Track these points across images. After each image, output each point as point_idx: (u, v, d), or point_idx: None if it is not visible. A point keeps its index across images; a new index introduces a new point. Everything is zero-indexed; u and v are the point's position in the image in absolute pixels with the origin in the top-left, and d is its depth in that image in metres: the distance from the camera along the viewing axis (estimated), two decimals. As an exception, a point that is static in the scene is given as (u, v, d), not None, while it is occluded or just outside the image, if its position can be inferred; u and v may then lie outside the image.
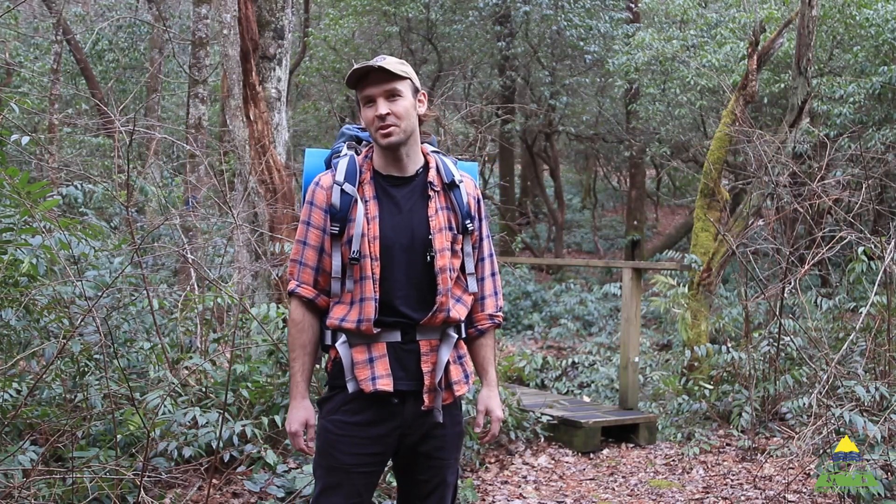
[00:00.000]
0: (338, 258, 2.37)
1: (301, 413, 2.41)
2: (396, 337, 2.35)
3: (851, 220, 5.58)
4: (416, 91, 2.41)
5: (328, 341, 2.41)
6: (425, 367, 2.36)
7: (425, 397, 2.36)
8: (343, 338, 2.36)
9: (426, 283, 2.37)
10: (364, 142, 2.58)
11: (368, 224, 2.34)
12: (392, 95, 2.34)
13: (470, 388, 2.55)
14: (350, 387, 2.33)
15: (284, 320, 4.87)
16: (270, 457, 4.23)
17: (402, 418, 2.37)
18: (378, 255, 2.34)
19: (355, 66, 2.35)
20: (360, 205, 2.35)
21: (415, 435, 2.39)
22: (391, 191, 2.40)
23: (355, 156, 2.45)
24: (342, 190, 2.37)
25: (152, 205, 9.34)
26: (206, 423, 4.15)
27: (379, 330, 2.34)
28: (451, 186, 2.44)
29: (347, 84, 2.38)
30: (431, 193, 2.42)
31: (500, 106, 13.18)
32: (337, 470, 2.35)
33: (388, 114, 2.32)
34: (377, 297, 2.32)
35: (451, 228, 2.42)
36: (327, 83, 15.95)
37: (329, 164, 2.57)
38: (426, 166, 2.46)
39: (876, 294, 5.01)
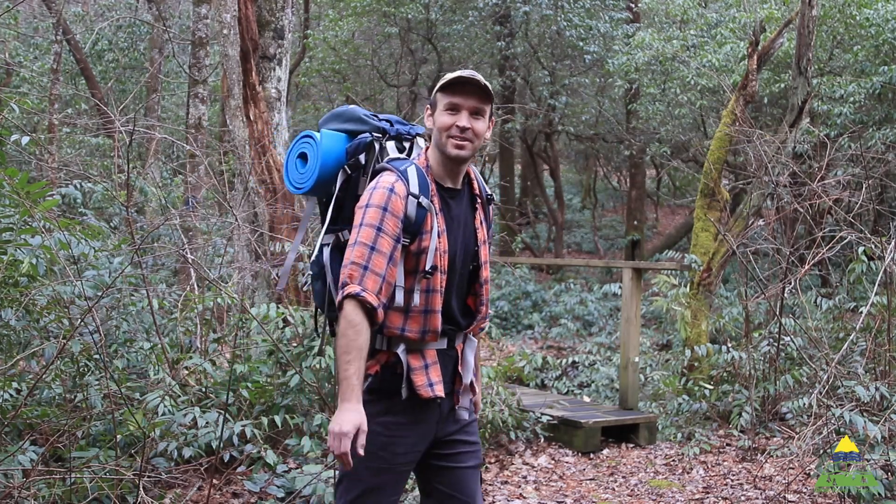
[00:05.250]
0: (401, 268, 2.39)
1: (356, 416, 2.25)
2: (443, 344, 2.46)
3: (851, 220, 5.59)
4: (491, 116, 2.48)
5: (381, 346, 2.41)
6: (462, 370, 2.50)
7: (460, 398, 2.50)
8: (403, 345, 2.40)
9: (465, 292, 2.51)
10: (403, 137, 2.56)
11: (439, 238, 2.40)
12: (477, 113, 2.41)
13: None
14: (404, 392, 2.39)
15: (285, 320, 4.87)
16: (270, 457, 4.24)
17: (439, 414, 2.47)
18: (446, 269, 2.42)
19: (458, 73, 2.41)
20: (434, 218, 2.40)
21: (444, 429, 2.50)
22: (449, 203, 2.47)
23: (418, 165, 2.45)
24: (418, 203, 2.38)
25: (152, 205, 9.34)
26: (206, 423, 4.15)
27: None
28: (488, 201, 2.57)
29: (440, 87, 2.42)
30: (478, 206, 2.53)
31: (500, 106, 13.18)
32: (387, 471, 2.40)
33: (469, 128, 2.39)
34: (442, 309, 2.41)
35: (486, 240, 2.55)
36: (327, 83, 15.95)
37: (351, 155, 2.49)
38: (467, 178, 2.54)
39: (876, 294, 5.02)
